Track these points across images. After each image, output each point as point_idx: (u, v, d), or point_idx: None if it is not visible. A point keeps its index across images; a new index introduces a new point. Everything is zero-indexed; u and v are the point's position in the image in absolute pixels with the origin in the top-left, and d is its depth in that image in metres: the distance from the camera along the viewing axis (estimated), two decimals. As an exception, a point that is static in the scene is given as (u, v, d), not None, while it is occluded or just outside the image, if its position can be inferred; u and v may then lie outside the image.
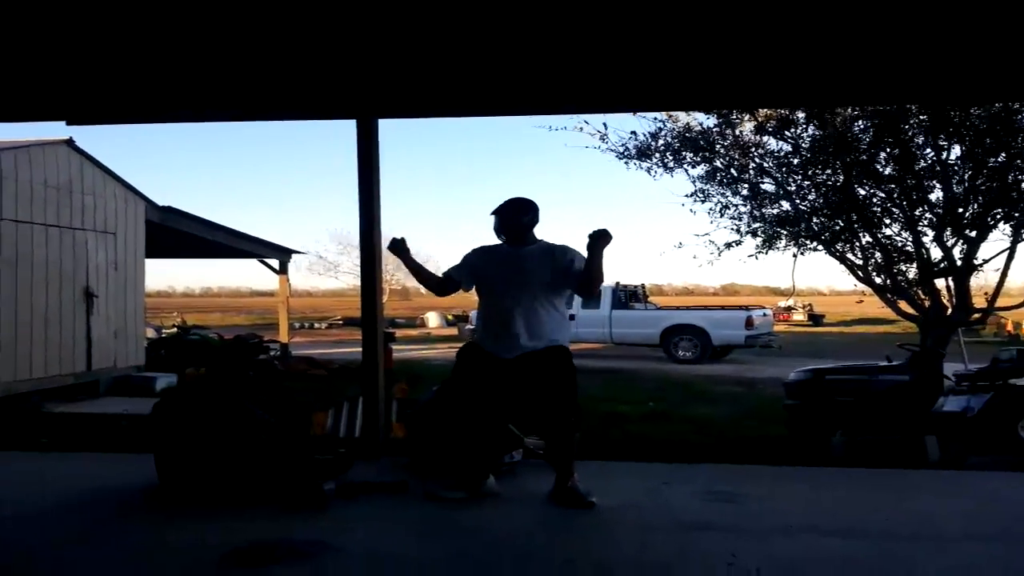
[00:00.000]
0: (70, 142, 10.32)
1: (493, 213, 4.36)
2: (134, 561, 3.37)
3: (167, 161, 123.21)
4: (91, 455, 6.09)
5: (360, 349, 5.53)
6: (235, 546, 3.47)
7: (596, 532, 3.79)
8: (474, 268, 4.40)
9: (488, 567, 3.25)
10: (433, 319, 33.68)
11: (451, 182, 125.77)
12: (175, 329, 16.84)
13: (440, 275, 4.52)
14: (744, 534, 3.65)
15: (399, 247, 4.41)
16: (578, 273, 4.20)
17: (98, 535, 3.75)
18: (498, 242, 4.42)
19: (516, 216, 4.30)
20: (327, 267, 47.33)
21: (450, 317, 32.72)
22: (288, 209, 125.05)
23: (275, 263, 16.40)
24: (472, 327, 4.58)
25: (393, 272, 45.00)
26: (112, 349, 11.08)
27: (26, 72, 4.88)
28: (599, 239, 4.08)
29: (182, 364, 12.14)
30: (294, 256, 16.84)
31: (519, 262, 4.24)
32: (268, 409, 4.86)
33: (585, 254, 4.16)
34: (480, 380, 4.26)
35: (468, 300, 4.49)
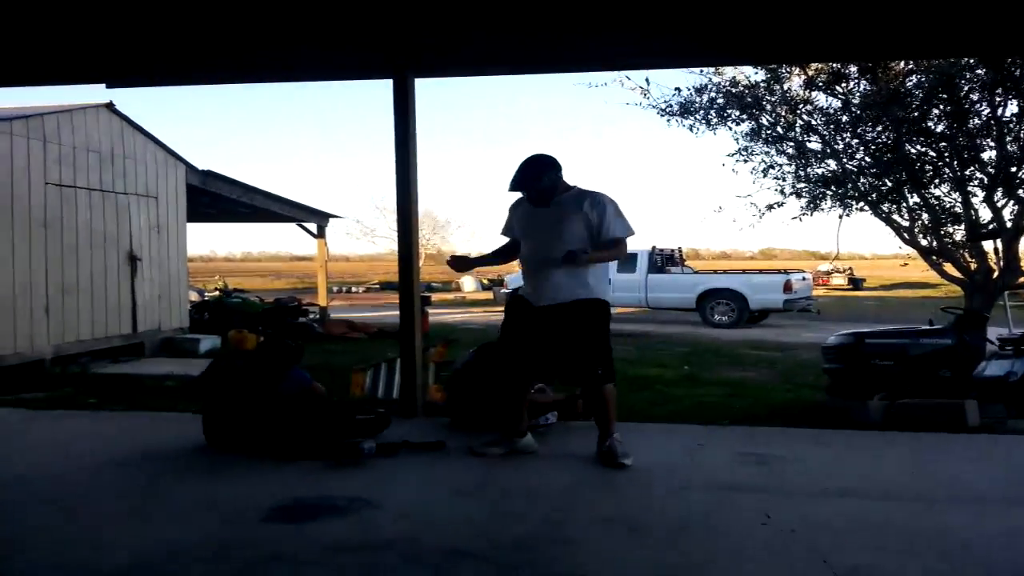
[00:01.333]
0: (110, 106, 10.47)
1: (512, 190, 4.29)
2: (181, 515, 3.48)
3: (206, 125, 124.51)
4: (138, 414, 6.28)
5: (397, 312, 5.59)
6: (278, 502, 3.57)
7: (631, 491, 3.82)
8: (513, 223, 4.45)
9: (524, 524, 3.30)
10: (469, 283, 33.82)
11: (487, 143, 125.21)
12: (217, 292, 17.15)
13: (503, 243, 4.56)
14: (778, 495, 3.64)
15: (462, 264, 4.57)
16: (606, 230, 4.16)
17: (146, 490, 3.88)
18: None
19: (533, 184, 4.22)
20: (364, 231, 47.70)
21: (485, 281, 32.83)
22: (326, 174, 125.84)
23: (313, 227, 16.56)
24: (507, 291, 4.64)
25: (429, 236, 45.20)
26: (156, 312, 11.35)
27: (64, 33, 4.93)
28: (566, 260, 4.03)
29: (225, 327, 12.40)
30: (331, 220, 16.98)
31: (550, 215, 4.22)
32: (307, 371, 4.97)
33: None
34: (521, 327, 4.31)
35: (502, 266, 4.57)
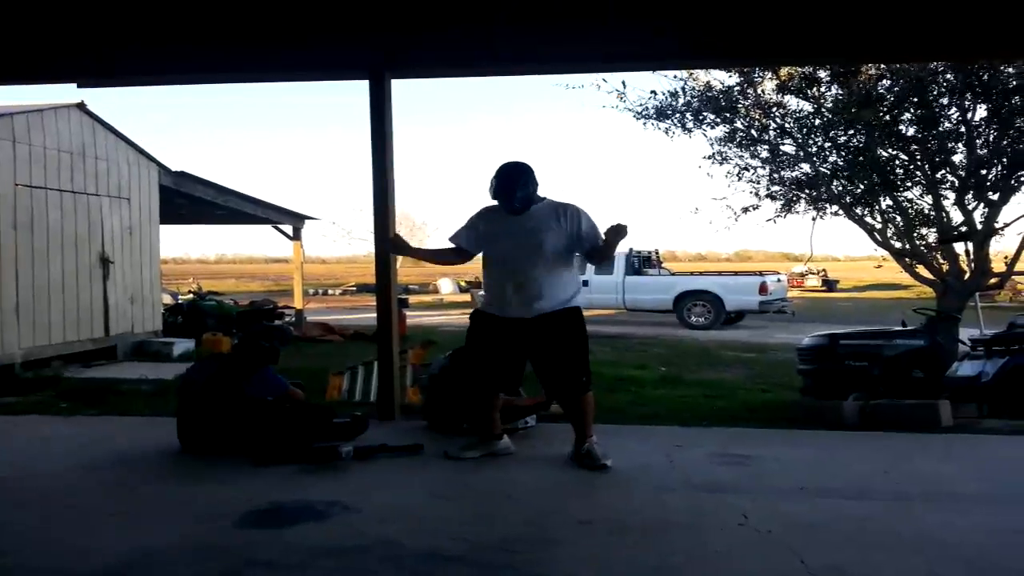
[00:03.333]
0: (82, 106, 10.30)
1: (495, 197, 4.22)
2: (157, 519, 3.43)
3: (179, 127, 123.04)
4: (112, 419, 6.18)
5: (374, 315, 5.56)
6: (255, 506, 3.53)
7: (610, 493, 3.83)
8: (480, 233, 4.33)
9: (503, 526, 3.29)
10: (446, 285, 33.79)
11: (461, 144, 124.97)
12: (191, 295, 16.95)
13: (447, 247, 4.46)
14: (756, 496, 3.67)
15: (398, 245, 4.60)
16: (587, 238, 4.18)
17: (122, 495, 3.82)
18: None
19: (518, 192, 4.15)
20: (340, 233, 47.45)
21: (463, 283, 32.79)
22: (302, 176, 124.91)
23: (289, 229, 16.43)
24: (483, 293, 4.61)
25: (406, 238, 44.94)
26: (129, 314, 11.18)
27: (36, 32, 4.86)
28: (618, 233, 4.07)
29: (199, 330, 12.26)
30: (307, 222, 16.86)
31: (526, 224, 4.17)
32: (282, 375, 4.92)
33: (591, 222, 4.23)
34: (492, 344, 4.28)
35: (479, 267, 4.57)
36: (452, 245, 4.41)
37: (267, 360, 4.76)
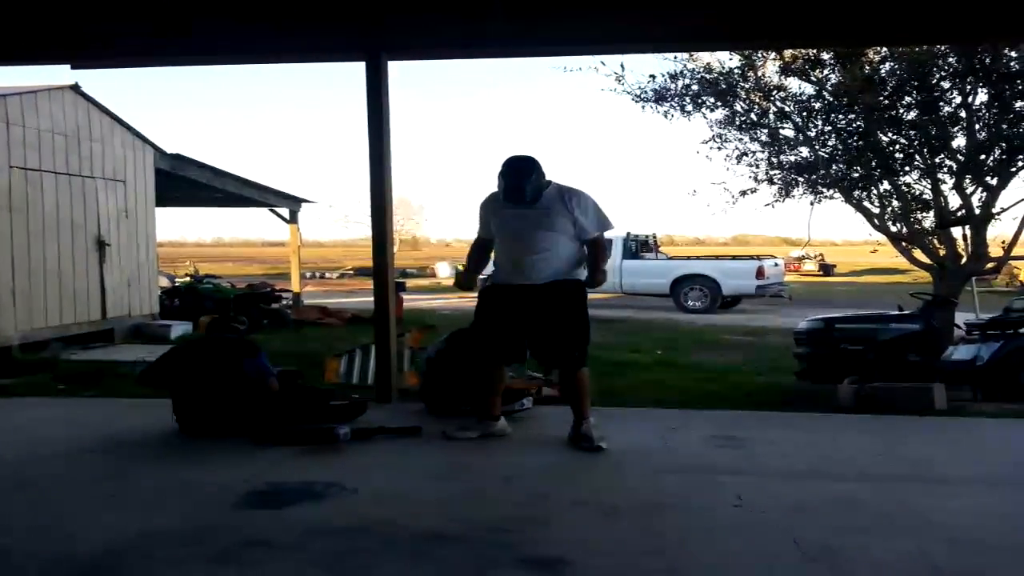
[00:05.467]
0: (76, 87, 10.24)
1: (500, 174, 4.27)
2: (155, 500, 3.45)
3: (175, 109, 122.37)
4: (109, 400, 6.20)
5: (372, 298, 5.56)
6: (253, 487, 3.55)
7: (605, 475, 3.85)
8: (490, 218, 4.43)
9: (500, 507, 3.31)
10: (443, 269, 33.72)
11: (459, 125, 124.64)
12: (188, 278, 16.93)
13: (478, 246, 4.61)
14: (750, 477, 3.69)
15: (468, 283, 4.66)
16: (581, 232, 4.27)
17: (119, 476, 3.83)
18: None
19: (525, 188, 4.20)
20: (337, 216, 47.35)
21: (460, 267, 32.72)
22: (299, 158, 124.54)
23: (285, 212, 16.38)
24: (483, 277, 4.60)
25: (403, 222, 44.97)
26: (126, 297, 11.18)
27: (28, 11, 4.82)
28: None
29: (196, 313, 12.25)
30: (304, 206, 16.81)
31: (536, 211, 4.24)
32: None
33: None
34: (498, 312, 4.32)
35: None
36: (478, 241, 4.58)
37: (246, 352, 4.66)
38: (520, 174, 4.22)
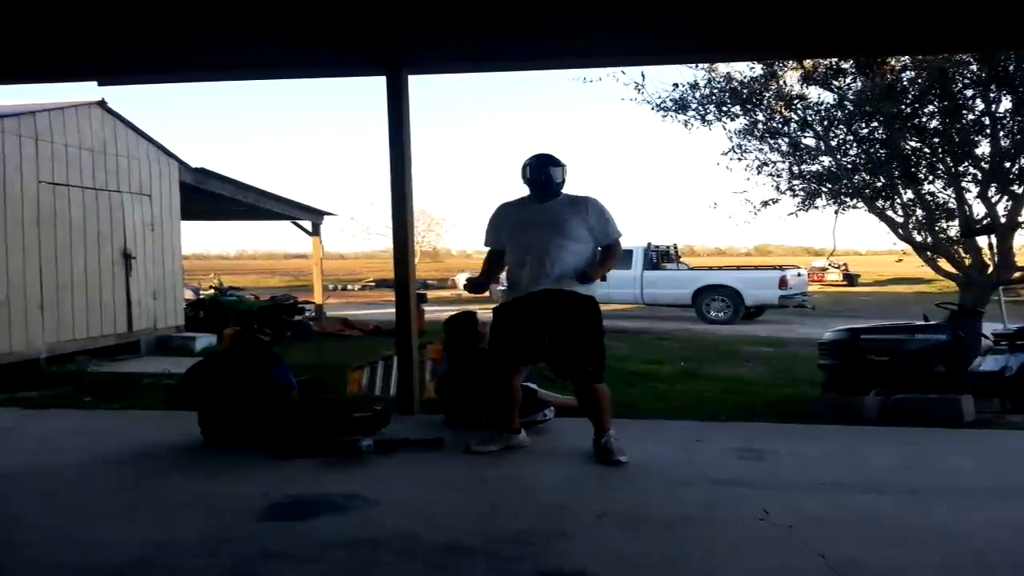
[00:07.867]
0: (103, 103, 10.42)
1: (527, 164, 4.35)
2: (177, 512, 3.47)
3: (198, 123, 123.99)
4: (135, 412, 6.26)
5: (393, 310, 5.58)
6: (274, 499, 3.56)
7: (626, 487, 3.82)
8: (501, 230, 4.47)
9: (521, 519, 3.30)
10: (463, 280, 33.76)
11: (478, 140, 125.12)
12: (213, 291, 17.09)
13: (491, 259, 4.62)
14: (775, 491, 3.65)
15: (478, 287, 4.60)
16: (601, 236, 4.32)
17: (143, 488, 3.87)
18: (519, 197, 4.46)
19: (550, 174, 4.30)
20: (359, 229, 47.63)
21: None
22: (321, 171, 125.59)
23: (308, 225, 16.52)
24: (502, 288, 4.59)
25: (424, 234, 45.16)
26: (152, 310, 11.31)
27: (57, 30, 4.92)
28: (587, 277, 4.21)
29: (221, 325, 12.36)
30: (326, 218, 16.94)
31: (551, 213, 4.28)
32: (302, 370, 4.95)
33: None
34: (514, 321, 4.31)
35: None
36: (490, 252, 4.59)
37: (271, 360, 4.71)
38: (548, 162, 4.31)
